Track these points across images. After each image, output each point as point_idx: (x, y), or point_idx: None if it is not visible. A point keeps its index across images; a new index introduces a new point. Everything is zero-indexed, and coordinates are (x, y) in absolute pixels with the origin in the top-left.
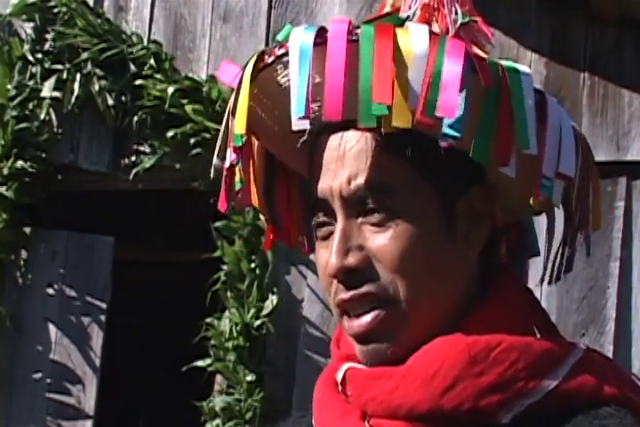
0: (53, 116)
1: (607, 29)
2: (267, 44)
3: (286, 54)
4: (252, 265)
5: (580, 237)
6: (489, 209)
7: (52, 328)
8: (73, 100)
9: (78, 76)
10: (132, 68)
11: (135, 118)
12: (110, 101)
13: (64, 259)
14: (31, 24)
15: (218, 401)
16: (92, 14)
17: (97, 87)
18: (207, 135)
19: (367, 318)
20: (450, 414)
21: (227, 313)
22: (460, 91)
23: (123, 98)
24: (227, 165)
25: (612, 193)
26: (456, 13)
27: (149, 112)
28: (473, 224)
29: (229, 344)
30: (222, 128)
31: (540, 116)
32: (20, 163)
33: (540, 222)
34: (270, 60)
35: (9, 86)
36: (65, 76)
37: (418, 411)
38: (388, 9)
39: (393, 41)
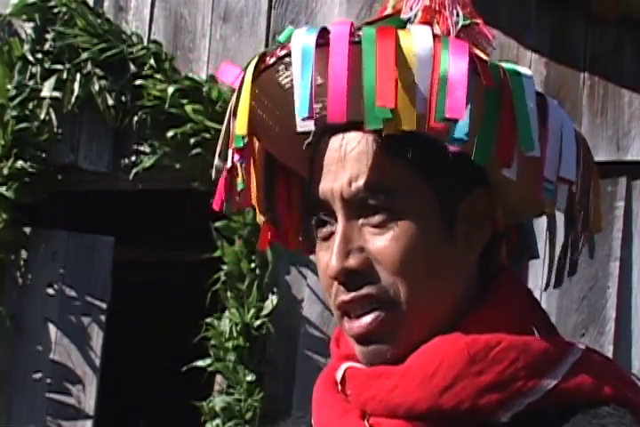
0: (53, 116)
1: (607, 29)
2: (267, 43)
3: (288, 55)
4: (252, 265)
5: (583, 239)
6: (490, 211)
7: (52, 328)
8: (73, 100)
9: (78, 76)
10: (132, 68)
11: (135, 118)
12: (110, 101)
13: (64, 259)
14: (31, 24)
15: (218, 401)
16: (92, 14)
17: (97, 87)
18: (207, 135)
19: (367, 319)
20: (449, 413)
21: (227, 313)
22: (467, 91)
23: (123, 98)
24: (228, 165)
25: (612, 193)
26: (457, 15)
27: (149, 112)
28: (474, 226)
29: (229, 344)
30: (223, 129)
31: (542, 118)
32: (20, 163)
33: (540, 224)
34: (272, 61)
35: (9, 86)
36: (65, 76)
37: (417, 410)
38: (389, 11)
39: (395, 43)
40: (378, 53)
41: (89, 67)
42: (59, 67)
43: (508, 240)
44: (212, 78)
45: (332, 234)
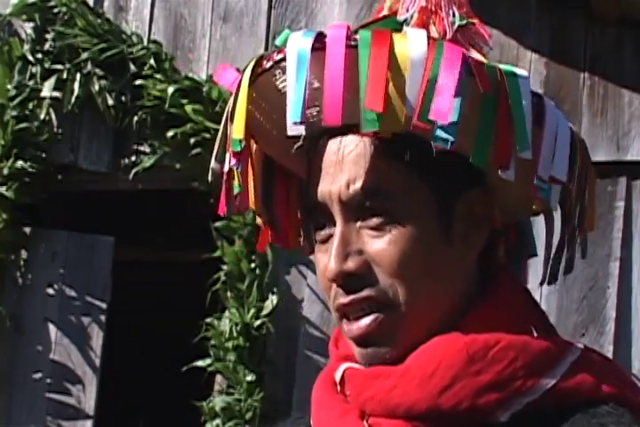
0: (53, 116)
1: (607, 29)
2: (267, 44)
3: (284, 59)
4: (252, 265)
5: (579, 237)
6: (488, 212)
7: (52, 328)
8: (73, 100)
9: (78, 76)
10: (132, 68)
11: (135, 118)
12: (110, 101)
13: (64, 259)
14: (31, 24)
15: (218, 401)
16: (92, 14)
17: (97, 87)
18: (207, 135)
19: (366, 321)
20: (448, 412)
21: (227, 313)
22: (456, 96)
23: (123, 98)
24: (226, 168)
25: (612, 193)
26: (453, 16)
27: (149, 112)
28: (472, 227)
29: (229, 344)
30: (220, 132)
31: (538, 119)
32: (20, 163)
33: (538, 223)
34: (268, 65)
35: (9, 86)
36: (65, 76)
37: (416, 410)
38: (385, 12)
39: (389, 47)
40: (371, 57)
41: (89, 67)
42: (59, 67)
43: (506, 239)
44: (211, 78)
45: (330, 236)
